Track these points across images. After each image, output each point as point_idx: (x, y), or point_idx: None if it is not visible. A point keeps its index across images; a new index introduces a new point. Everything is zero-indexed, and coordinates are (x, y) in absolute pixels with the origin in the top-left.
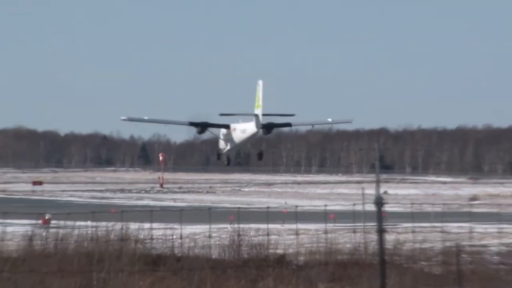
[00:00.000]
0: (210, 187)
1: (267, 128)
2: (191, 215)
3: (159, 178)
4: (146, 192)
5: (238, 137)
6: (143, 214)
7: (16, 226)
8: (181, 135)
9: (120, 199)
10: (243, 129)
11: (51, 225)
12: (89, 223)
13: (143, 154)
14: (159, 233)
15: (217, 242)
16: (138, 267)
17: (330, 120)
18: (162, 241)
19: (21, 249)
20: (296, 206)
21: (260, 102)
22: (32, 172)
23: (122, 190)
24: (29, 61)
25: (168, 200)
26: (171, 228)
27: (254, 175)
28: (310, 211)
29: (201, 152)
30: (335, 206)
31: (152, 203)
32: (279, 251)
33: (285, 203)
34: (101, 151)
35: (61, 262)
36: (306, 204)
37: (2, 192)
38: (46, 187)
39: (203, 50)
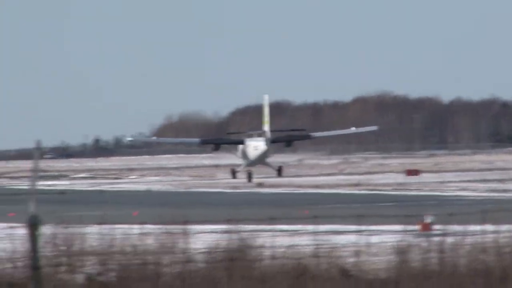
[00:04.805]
0: None
1: (287, 142)
2: None
3: None
4: None
5: (252, 154)
6: None
7: (384, 235)
8: None
9: None
10: (255, 146)
11: (433, 232)
12: (486, 226)
13: None
14: None
15: None
16: None
17: (353, 129)
18: None
19: (392, 267)
20: None
21: (267, 118)
22: (404, 157)
23: None
24: None
25: None
26: None
27: None
28: None
29: None
30: None
31: None
32: None
33: None
34: (500, 124)
35: (449, 283)
36: None
37: (366, 187)
38: (424, 177)
39: None
